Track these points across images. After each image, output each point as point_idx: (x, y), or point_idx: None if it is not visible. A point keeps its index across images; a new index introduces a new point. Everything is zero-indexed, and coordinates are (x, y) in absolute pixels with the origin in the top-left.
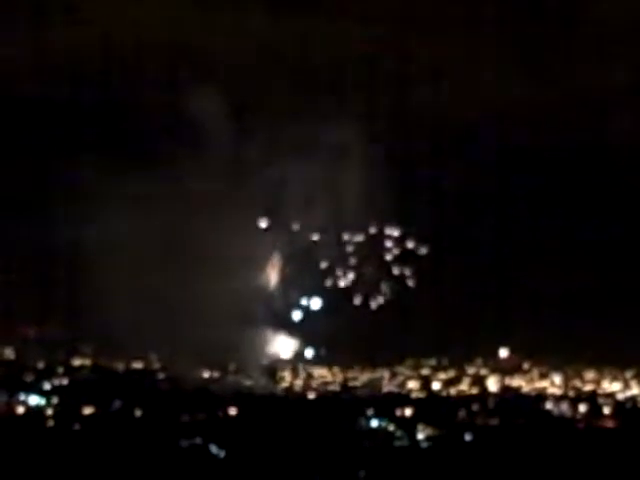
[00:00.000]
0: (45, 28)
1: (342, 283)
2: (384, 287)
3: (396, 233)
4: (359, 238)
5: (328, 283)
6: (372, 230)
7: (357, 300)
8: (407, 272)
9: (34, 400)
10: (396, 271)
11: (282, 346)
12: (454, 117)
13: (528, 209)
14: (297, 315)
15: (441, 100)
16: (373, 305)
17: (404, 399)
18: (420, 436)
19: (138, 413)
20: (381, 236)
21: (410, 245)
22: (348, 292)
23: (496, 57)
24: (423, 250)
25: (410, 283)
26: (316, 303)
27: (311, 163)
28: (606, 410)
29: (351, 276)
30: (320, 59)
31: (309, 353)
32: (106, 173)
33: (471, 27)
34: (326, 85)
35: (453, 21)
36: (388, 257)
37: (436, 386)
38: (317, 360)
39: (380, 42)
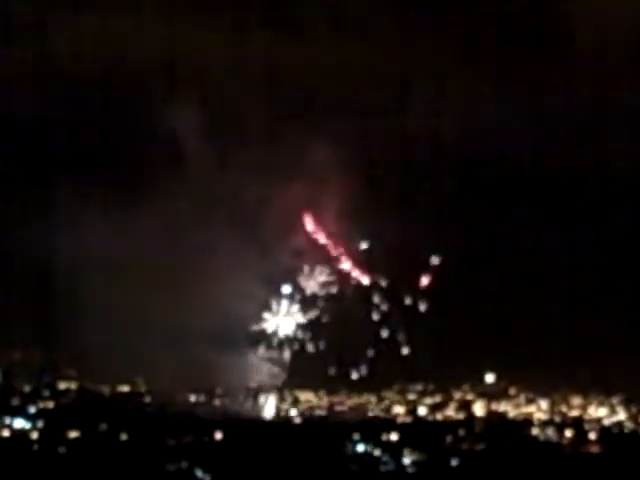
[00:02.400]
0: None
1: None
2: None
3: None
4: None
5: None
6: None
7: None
8: (400, 337)
9: (19, 423)
10: (385, 334)
11: (268, 370)
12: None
13: (512, 234)
14: (283, 339)
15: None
16: (354, 376)
17: (390, 424)
18: (406, 461)
19: (124, 437)
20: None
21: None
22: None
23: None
24: (422, 307)
25: (404, 350)
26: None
27: (292, 184)
28: (592, 435)
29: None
30: (301, 77)
31: (296, 378)
32: (85, 193)
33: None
34: (310, 101)
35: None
36: (375, 316)
37: (422, 411)
38: (303, 384)
39: (360, 60)
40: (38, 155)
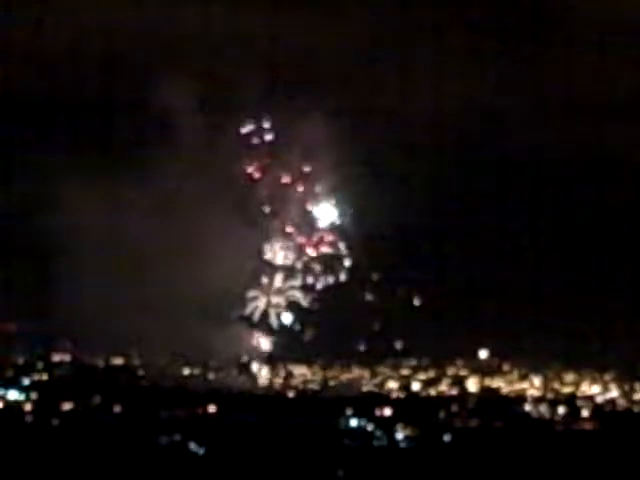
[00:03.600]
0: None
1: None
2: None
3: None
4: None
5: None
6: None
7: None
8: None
9: (13, 395)
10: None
11: (262, 344)
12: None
13: (506, 213)
14: (276, 314)
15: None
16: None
17: (384, 399)
18: (399, 436)
19: (117, 409)
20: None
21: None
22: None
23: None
24: (416, 301)
25: (398, 345)
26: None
27: (286, 158)
28: (585, 412)
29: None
30: (292, 52)
31: (290, 351)
32: (80, 170)
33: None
34: (299, 79)
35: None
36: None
37: (416, 386)
38: (297, 358)
39: (352, 35)
40: (32, 130)
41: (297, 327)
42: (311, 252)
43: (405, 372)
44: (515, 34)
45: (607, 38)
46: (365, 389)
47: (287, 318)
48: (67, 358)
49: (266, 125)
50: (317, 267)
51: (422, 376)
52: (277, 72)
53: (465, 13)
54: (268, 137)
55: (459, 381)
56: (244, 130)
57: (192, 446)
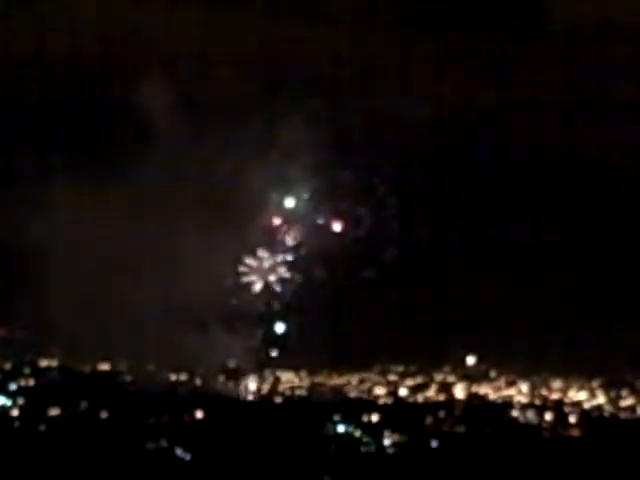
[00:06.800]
0: None
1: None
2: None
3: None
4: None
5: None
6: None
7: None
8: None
9: (0, 401)
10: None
11: (249, 349)
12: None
13: (491, 213)
14: (262, 319)
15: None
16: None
17: (371, 405)
18: (386, 442)
19: (104, 415)
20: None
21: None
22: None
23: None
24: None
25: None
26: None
27: (263, 162)
28: (572, 419)
29: None
30: (277, 54)
31: (275, 356)
32: (53, 172)
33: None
34: (282, 81)
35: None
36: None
37: (403, 392)
38: (284, 364)
39: (339, 39)
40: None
41: (283, 334)
42: (291, 261)
43: (393, 378)
44: (515, 33)
45: (607, 37)
46: (352, 395)
47: (271, 325)
48: (54, 363)
49: (248, 127)
50: (298, 274)
51: (410, 382)
52: (262, 73)
53: (463, 12)
54: (249, 139)
55: (447, 387)
56: (226, 132)
57: (179, 452)
